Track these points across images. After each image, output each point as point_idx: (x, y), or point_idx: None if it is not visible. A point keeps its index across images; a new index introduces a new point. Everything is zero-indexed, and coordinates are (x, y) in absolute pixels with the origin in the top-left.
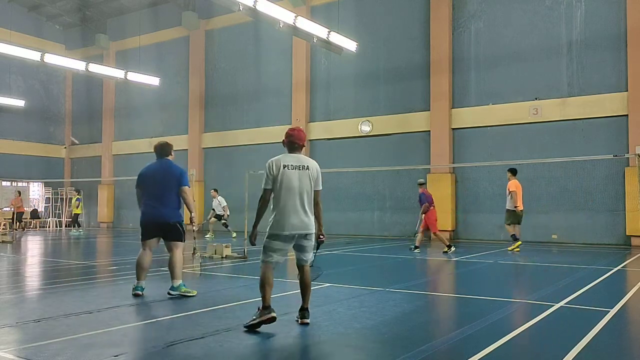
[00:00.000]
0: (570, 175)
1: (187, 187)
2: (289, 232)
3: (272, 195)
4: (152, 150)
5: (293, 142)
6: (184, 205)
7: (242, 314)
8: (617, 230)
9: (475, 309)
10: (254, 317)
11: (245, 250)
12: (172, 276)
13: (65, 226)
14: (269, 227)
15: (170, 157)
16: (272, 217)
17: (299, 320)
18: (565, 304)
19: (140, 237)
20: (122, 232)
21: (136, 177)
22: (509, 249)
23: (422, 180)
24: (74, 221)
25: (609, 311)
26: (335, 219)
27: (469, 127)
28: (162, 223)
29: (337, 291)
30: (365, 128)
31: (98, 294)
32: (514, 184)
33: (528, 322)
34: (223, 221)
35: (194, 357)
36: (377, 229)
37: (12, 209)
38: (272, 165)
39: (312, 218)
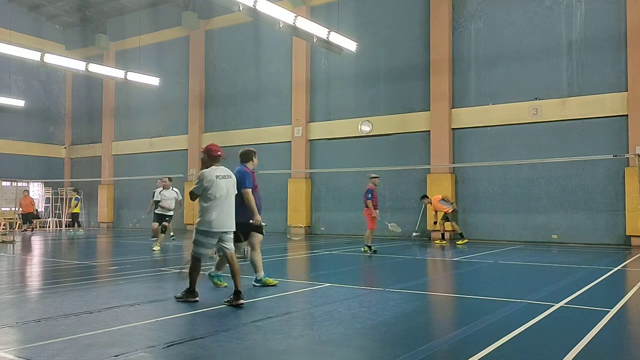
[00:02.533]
0: (570, 175)
1: (245, 189)
2: (218, 230)
3: (204, 198)
4: (152, 151)
5: (220, 155)
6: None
7: (242, 314)
8: (617, 230)
9: (475, 309)
10: (182, 295)
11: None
12: (254, 270)
13: (65, 226)
14: (202, 226)
15: (248, 164)
16: (206, 217)
17: (236, 302)
18: (565, 304)
19: None
20: (122, 233)
21: (135, 177)
22: (460, 243)
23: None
24: (74, 221)
25: (609, 311)
26: (335, 219)
27: (469, 127)
28: None
29: (337, 291)
30: (365, 128)
31: (98, 294)
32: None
33: (528, 322)
34: (166, 222)
35: (194, 357)
36: (377, 229)
37: (20, 209)
38: (206, 177)
39: (234, 217)
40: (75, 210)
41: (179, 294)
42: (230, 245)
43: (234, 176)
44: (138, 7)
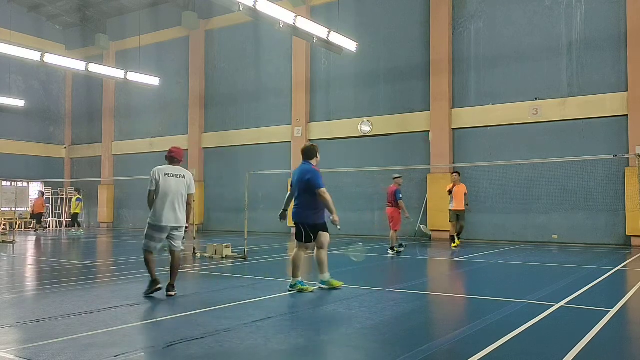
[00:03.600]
0: (570, 175)
1: (321, 188)
2: (164, 224)
3: (156, 194)
4: (152, 151)
5: (174, 157)
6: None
7: (242, 314)
8: (617, 230)
9: (475, 309)
10: (148, 289)
11: (246, 250)
12: (319, 270)
13: (65, 226)
14: (152, 220)
15: (312, 161)
16: (156, 211)
17: (166, 293)
18: (565, 304)
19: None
20: (122, 233)
21: (135, 177)
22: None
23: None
24: (74, 221)
25: (609, 311)
26: None
27: (469, 127)
28: (297, 223)
29: (337, 291)
30: (365, 128)
31: (98, 294)
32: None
33: (528, 322)
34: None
35: (194, 357)
36: (377, 229)
37: (33, 210)
38: (156, 173)
39: (183, 215)
40: (77, 211)
41: (146, 290)
42: (178, 243)
43: (188, 177)
44: (138, 7)
